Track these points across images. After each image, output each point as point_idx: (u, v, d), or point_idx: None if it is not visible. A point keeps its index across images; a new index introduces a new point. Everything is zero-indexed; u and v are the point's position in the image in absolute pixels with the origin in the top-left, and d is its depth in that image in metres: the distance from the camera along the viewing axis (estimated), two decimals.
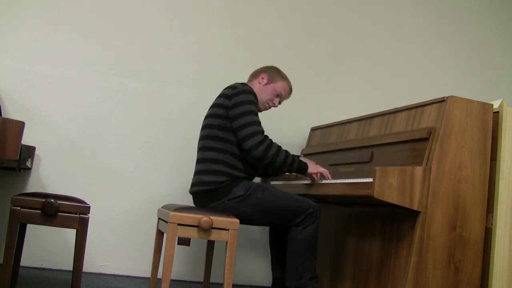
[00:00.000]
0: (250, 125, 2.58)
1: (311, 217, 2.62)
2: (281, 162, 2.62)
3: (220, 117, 2.65)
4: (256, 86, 2.84)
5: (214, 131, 2.66)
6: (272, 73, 2.88)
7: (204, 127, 2.74)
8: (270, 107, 2.90)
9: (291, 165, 2.66)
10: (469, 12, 4.37)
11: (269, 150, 2.57)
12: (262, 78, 2.85)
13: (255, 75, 2.91)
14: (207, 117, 2.76)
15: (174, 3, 3.63)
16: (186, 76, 3.61)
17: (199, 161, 2.73)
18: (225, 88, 2.75)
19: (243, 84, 2.74)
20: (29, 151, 3.05)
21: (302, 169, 2.70)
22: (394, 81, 4.08)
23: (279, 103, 2.91)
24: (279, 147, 2.62)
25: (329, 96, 3.91)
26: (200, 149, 2.73)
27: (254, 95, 2.70)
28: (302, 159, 2.91)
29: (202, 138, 2.73)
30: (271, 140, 2.61)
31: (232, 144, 2.63)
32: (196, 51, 3.65)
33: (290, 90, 2.94)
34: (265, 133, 2.62)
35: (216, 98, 2.76)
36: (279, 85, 2.86)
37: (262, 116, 3.54)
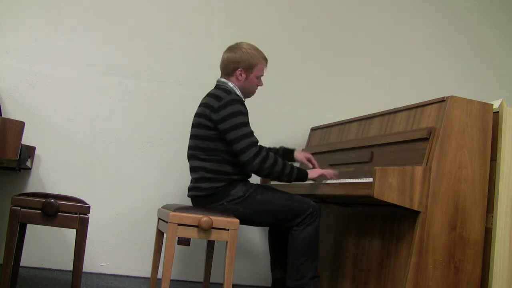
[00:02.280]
0: (243, 138, 2.54)
1: (311, 217, 2.62)
2: (278, 173, 2.58)
3: (207, 128, 2.60)
4: (237, 83, 2.72)
5: (203, 142, 2.62)
6: (245, 61, 2.71)
7: (193, 137, 2.69)
8: (257, 89, 2.81)
9: (290, 175, 2.62)
10: (469, 12, 4.37)
11: (265, 163, 2.54)
12: (240, 75, 2.71)
13: (228, 69, 2.73)
14: (193, 126, 2.71)
15: (174, 3, 3.63)
16: (186, 76, 3.61)
17: (192, 169, 2.69)
18: (208, 96, 2.67)
19: (227, 92, 2.63)
20: (29, 151, 3.05)
21: (301, 177, 2.67)
22: (394, 81, 4.08)
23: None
24: (276, 158, 2.58)
25: (329, 96, 3.91)
26: (192, 157, 2.69)
27: (241, 102, 2.61)
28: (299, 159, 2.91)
29: (192, 148, 2.68)
30: (267, 151, 2.58)
31: (223, 152, 2.60)
32: (196, 51, 3.65)
33: (267, 61, 2.80)
34: (259, 143, 2.59)
35: (200, 107, 2.68)
36: (258, 70, 2.74)
37: (262, 116, 3.55)
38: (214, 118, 2.57)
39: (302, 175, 2.67)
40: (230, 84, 2.72)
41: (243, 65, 2.71)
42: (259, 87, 2.83)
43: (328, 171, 2.74)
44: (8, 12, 3.31)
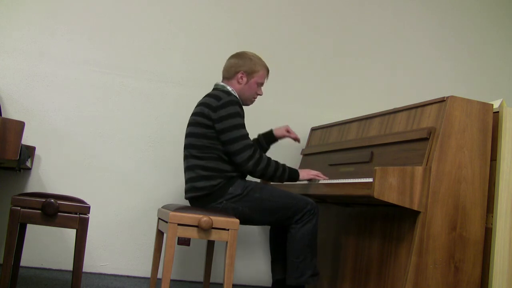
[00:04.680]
0: (238, 139, 2.57)
1: (309, 215, 2.63)
2: (271, 174, 2.64)
3: (205, 126, 2.62)
4: (237, 87, 2.76)
5: (199, 140, 2.63)
6: (247, 66, 2.76)
7: (188, 135, 2.70)
8: (256, 98, 2.86)
9: (282, 175, 2.67)
10: (470, 12, 4.37)
11: (259, 165, 2.59)
12: (241, 78, 2.76)
13: (230, 73, 2.78)
14: (190, 124, 2.72)
15: (175, 3, 3.63)
16: (186, 76, 3.61)
17: (188, 169, 2.69)
18: (208, 96, 2.70)
19: (227, 93, 2.67)
20: (29, 151, 3.05)
21: (293, 177, 2.72)
22: (394, 81, 4.08)
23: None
24: (269, 160, 2.63)
25: (329, 96, 3.91)
26: (187, 157, 2.70)
27: (239, 104, 2.65)
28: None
29: (188, 146, 2.69)
30: (260, 153, 2.61)
31: (219, 151, 2.62)
32: (197, 51, 3.65)
33: (268, 72, 2.85)
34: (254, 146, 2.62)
35: (198, 106, 2.71)
36: (259, 77, 2.79)
37: (262, 116, 3.55)
38: (213, 116, 2.60)
39: (293, 176, 2.72)
40: (229, 88, 2.75)
41: (244, 69, 2.76)
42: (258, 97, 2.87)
43: (319, 174, 2.78)
44: (8, 12, 3.31)
